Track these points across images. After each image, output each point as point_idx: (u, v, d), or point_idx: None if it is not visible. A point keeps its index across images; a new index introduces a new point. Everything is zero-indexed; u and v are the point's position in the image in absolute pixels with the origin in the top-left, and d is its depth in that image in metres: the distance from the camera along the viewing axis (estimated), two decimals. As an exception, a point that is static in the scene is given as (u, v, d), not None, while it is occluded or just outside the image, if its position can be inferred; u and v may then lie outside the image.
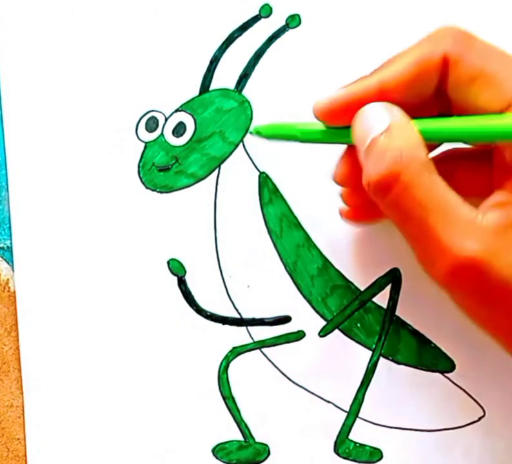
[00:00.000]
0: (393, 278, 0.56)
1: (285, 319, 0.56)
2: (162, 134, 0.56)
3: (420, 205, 0.42)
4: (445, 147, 0.50)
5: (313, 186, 0.56)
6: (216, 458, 0.56)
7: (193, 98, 0.56)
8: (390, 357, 0.56)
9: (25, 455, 0.56)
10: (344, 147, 0.49)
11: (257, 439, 0.56)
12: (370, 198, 0.45)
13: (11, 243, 0.56)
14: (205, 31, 0.56)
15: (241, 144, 0.56)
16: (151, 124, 0.56)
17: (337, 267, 0.56)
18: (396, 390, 0.56)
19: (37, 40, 0.56)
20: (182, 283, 0.56)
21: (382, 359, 0.56)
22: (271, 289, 0.56)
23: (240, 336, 0.56)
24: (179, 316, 0.56)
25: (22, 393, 0.56)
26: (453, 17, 0.55)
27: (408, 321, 0.56)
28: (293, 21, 0.56)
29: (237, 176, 0.56)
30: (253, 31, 0.56)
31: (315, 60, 0.56)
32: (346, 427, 0.56)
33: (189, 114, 0.56)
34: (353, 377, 0.56)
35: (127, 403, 0.56)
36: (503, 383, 0.56)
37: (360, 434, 0.56)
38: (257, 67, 0.56)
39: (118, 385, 0.56)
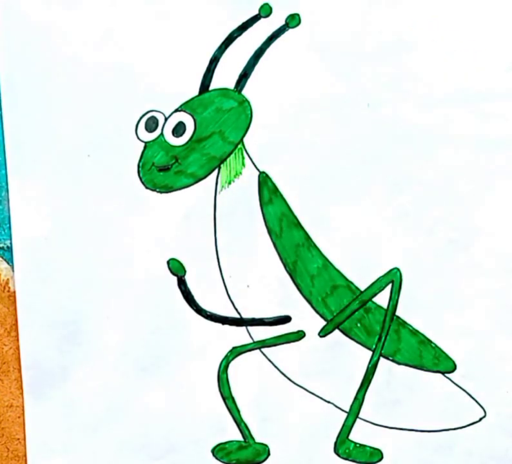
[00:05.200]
0: (393, 278, 0.56)
1: (285, 319, 0.56)
2: (161, 134, 0.56)
3: None
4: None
5: (313, 186, 0.56)
6: (216, 458, 0.56)
7: (192, 98, 0.56)
8: (390, 358, 0.56)
9: (25, 455, 0.56)
10: None
11: (257, 439, 0.56)
12: None
13: (11, 243, 0.56)
14: (205, 31, 0.56)
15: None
16: (151, 124, 0.56)
17: (337, 267, 0.56)
18: (396, 391, 0.56)
19: (37, 40, 0.56)
20: (182, 283, 0.56)
21: (382, 359, 0.56)
22: (271, 289, 0.56)
23: (240, 336, 0.56)
24: (179, 316, 0.56)
25: (22, 393, 0.56)
26: (454, 17, 0.55)
27: (408, 321, 0.56)
28: (293, 21, 0.56)
29: (237, 176, 0.56)
30: (253, 30, 0.56)
31: (314, 59, 0.56)
32: (346, 427, 0.56)
33: (189, 114, 0.56)
34: (353, 377, 0.56)
35: (127, 402, 0.56)
36: (504, 384, 0.56)
37: (360, 434, 0.56)
38: (257, 67, 0.56)
39: (118, 384, 0.56)
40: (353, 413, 0.56)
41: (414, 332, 0.56)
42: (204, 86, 0.56)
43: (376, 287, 0.56)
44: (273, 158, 0.56)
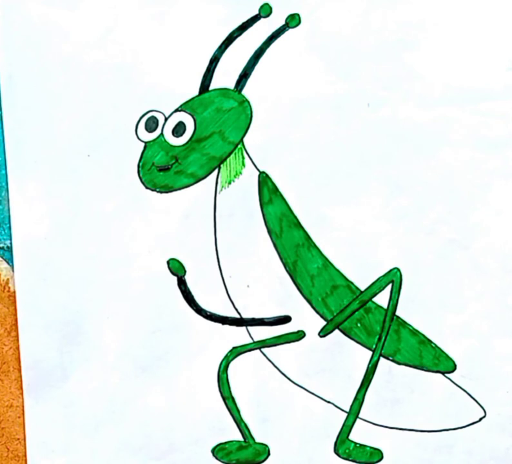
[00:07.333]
0: (393, 278, 0.56)
1: (285, 319, 0.56)
2: (161, 134, 0.56)
3: None
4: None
5: (313, 186, 0.56)
6: (216, 458, 0.56)
7: (192, 98, 0.56)
8: (390, 358, 0.56)
9: (25, 455, 0.56)
10: None
11: (257, 439, 0.56)
12: None
13: (11, 243, 0.56)
14: (205, 31, 0.56)
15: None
16: (151, 124, 0.56)
17: (337, 267, 0.56)
18: (396, 391, 0.56)
19: (38, 39, 0.56)
20: (182, 283, 0.56)
21: (382, 359, 0.56)
22: (271, 289, 0.56)
23: (240, 336, 0.56)
24: (179, 316, 0.56)
25: (22, 393, 0.56)
26: (454, 16, 0.55)
27: (408, 321, 0.56)
28: (293, 21, 0.56)
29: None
30: (253, 30, 0.56)
31: (314, 59, 0.56)
32: (346, 427, 0.56)
33: (189, 114, 0.56)
34: (353, 377, 0.56)
35: (127, 402, 0.56)
36: (504, 384, 0.56)
37: (361, 434, 0.56)
38: (257, 67, 0.56)
39: (117, 384, 0.56)
40: (353, 413, 0.56)
41: (414, 332, 0.56)
42: (204, 86, 0.56)
43: (376, 287, 0.56)
44: (273, 158, 0.56)
